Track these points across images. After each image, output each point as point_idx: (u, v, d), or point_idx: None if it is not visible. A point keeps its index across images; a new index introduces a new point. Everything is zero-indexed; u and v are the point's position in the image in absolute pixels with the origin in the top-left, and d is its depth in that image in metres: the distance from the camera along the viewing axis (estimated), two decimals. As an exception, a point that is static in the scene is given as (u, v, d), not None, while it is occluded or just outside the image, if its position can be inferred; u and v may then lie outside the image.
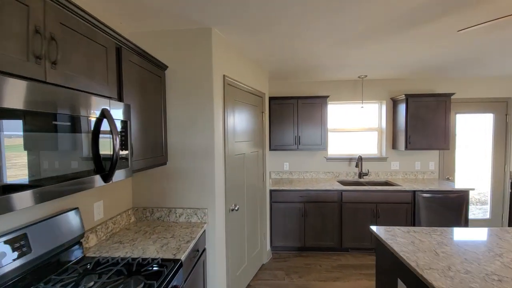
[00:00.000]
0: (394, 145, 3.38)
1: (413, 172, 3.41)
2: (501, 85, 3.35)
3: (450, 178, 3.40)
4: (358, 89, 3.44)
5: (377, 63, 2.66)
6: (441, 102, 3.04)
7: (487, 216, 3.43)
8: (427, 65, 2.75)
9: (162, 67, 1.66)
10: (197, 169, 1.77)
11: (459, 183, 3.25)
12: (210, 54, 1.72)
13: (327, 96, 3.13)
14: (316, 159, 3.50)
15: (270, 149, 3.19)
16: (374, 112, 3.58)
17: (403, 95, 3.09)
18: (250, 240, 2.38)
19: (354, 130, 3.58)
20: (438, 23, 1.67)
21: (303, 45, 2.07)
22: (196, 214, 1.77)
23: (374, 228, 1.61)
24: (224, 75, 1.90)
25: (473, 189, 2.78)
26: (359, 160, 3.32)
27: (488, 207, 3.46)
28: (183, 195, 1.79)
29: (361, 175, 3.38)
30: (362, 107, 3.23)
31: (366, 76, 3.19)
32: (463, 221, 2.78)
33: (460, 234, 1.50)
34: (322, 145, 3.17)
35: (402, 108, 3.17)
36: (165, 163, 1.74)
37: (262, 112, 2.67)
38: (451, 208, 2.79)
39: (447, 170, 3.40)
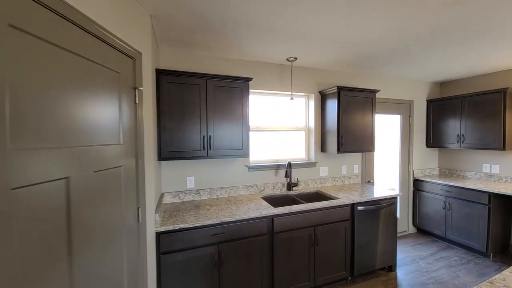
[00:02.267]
0: (323, 148, 2.85)
1: (340, 177, 3.01)
2: (407, 87, 3.48)
3: (370, 181, 3.23)
4: (286, 76, 2.69)
5: (309, 38, 1.93)
6: (368, 99, 2.72)
7: (398, 215, 3.51)
8: (356, 52, 2.29)
9: None
10: None
11: (378, 186, 3.09)
12: None
13: (250, 79, 2.18)
14: (234, 169, 2.48)
15: (161, 158, 1.90)
16: (301, 108, 2.97)
17: (335, 88, 2.57)
18: None
19: (282, 129, 2.82)
20: None
21: None
22: None
23: None
24: None
25: (400, 194, 2.56)
26: (289, 167, 2.57)
27: (397, 206, 3.54)
28: None
29: (290, 186, 2.65)
30: (292, 98, 2.50)
31: (296, 59, 2.47)
32: (393, 229, 2.50)
33: None
34: (243, 149, 2.18)
35: (333, 103, 2.66)
36: None
37: (135, 89, 1.36)
38: (385, 217, 2.45)
39: (367, 172, 3.21)
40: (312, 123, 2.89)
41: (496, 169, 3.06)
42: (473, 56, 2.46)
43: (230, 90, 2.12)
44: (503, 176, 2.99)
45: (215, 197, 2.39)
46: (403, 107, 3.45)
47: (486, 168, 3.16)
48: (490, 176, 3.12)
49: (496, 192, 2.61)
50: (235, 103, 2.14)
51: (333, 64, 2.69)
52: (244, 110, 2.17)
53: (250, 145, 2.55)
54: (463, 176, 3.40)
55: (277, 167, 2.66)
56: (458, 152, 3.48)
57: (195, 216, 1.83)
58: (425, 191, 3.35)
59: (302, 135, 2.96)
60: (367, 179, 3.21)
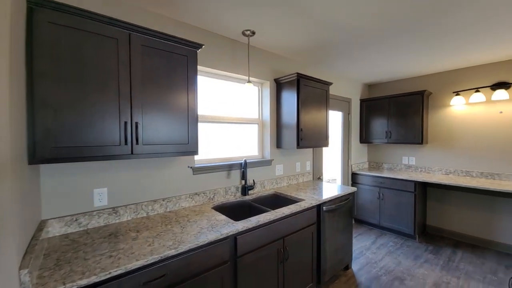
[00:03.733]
0: (278, 143, 2.52)
1: (295, 175, 2.76)
2: (346, 86, 3.63)
3: (320, 177, 3.16)
4: (240, 56, 2.19)
5: (275, 3, 1.54)
6: (323, 92, 2.58)
7: (341, 209, 3.61)
8: (320, 38, 2.08)
9: None
10: None
11: (328, 183, 3.04)
12: None
13: (200, 45, 1.56)
14: (172, 172, 1.79)
15: (36, 158, 1.04)
16: (254, 97, 2.54)
17: (295, 75, 2.27)
18: None
19: (235, 120, 2.30)
20: None
21: None
22: None
23: None
24: None
25: (355, 190, 2.52)
26: (244, 167, 2.08)
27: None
28: None
29: (245, 190, 2.17)
30: (249, 82, 2.02)
31: (254, 34, 2.02)
32: (350, 226, 2.43)
33: None
34: (189, 144, 1.54)
35: (290, 93, 2.36)
36: None
37: None
38: (344, 214, 2.33)
39: (317, 169, 3.12)
40: (266, 115, 2.51)
41: (413, 161, 3.57)
42: (396, 62, 2.73)
43: (171, 57, 1.45)
44: (418, 166, 3.50)
45: (145, 215, 1.63)
46: (344, 105, 3.58)
47: (405, 160, 3.65)
48: (408, 167, 3.61)
49: (419, 180, 2.97)
50: (177, 77, 1.47)
51: (291, 49, 2.39)
52: (190, 88, 1.53)
53: (199, 140, 1.91)
54: (387, 168, 3.84)
55: (230, 167, 2.13)
56: (384, 147, 3.91)
57: (110, 257, 1.07)
58: (362, 184, 3.58)
59: (255, 128, 2.53)
60: (317, 176, 3.11)
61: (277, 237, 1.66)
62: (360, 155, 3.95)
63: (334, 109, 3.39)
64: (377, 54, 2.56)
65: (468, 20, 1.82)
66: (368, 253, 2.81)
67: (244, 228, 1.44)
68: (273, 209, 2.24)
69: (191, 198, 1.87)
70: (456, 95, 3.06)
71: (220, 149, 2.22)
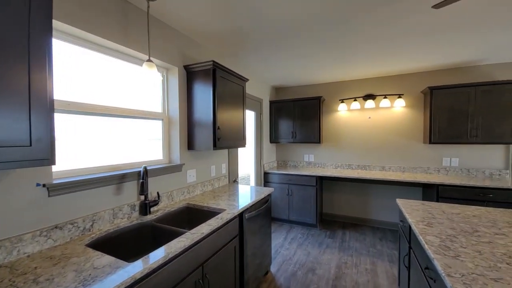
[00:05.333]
0: (191, 144, 2.10)
1: (209, 180, 2.41)
2: (258, 87, 3.63)
3: (236, 180, 2.96)
4: (137, 23, 1.60)
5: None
6: (240, 88, 2.38)
7: (255, 210, 3.56)
8: (231, 26, 1.87)
9: None
10: None
11: (244, 185, 2.90)
12: None
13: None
14: (5, 196, 1.02)
15: None
16: (158, 86, 1.99)
17: (210, 63, 1.93)
18: None
19: (129, 113, 1.67)
20: None
21: None
22: None
23: None
24: None
25: (272, 190, 2.47)
26: (144, 176, 1.53)
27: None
28: None
29: (146, 207, 1.61)
30: (149, 60, 1.49)
31: (156, -2, 1.52)
32: (269, 229, 2.35)
33: None
34: (34, 147, 0.88)
35: (205, 85, 2.00)
36: None
37: None
38: (264, 218, 2.22)
39: (233, 171, 2.91)
40: (175, 110, 2.02)
41: (312, 158, 4.05)
42: (300, 70, 3.00)
43: (-21, -20, 0.75)
44: (316, 162, 4.01)
45: None
46: (256, 105, 3.57)
47: (306, 158, 4.09)
48: (309, 163, 4.07)
49: (320, 175, 3.37)
50: (8, 35, 0.79)
51: (204, 34, 2.03)
52: (37, 56, 0.88)
53: (62, 139, 1.18)
54: (292, 165, 4.19)
55: (121, 178, 1.51)
56: (290, 146, 4.24)
57: None
58: (273, 182, 3.70)
59: (159, 126, 1.99)
60: (233, 179, 2.90)
61: (194, 266, 1.27)
62: (271, 155, 4.10)
63: (248, 108, 3.30)
64: (285, 61, 2.67)
65: (346, 44, 2.23)
66: (282, 250, 2.87)
67: (144, 273, 0.96)
68: (189, 229, 1.81)
69: (46, 236, 1.14)
70: (342, 102, 3.70)
71: (106, 154, 1.54)
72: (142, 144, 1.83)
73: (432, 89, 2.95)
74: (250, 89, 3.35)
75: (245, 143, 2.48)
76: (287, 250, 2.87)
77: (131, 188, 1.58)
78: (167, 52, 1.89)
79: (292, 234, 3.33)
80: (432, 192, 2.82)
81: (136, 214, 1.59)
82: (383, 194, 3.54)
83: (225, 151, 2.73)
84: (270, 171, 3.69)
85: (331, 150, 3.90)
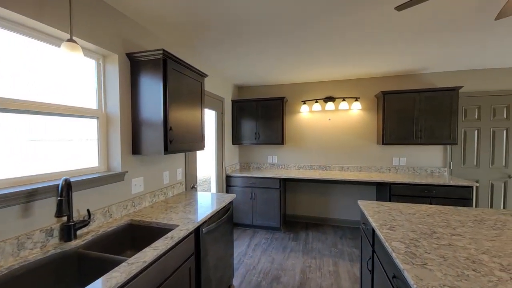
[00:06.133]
0: (136, 148, 1.76)
1: (162, 189, 2.09)
2: (219, 85, 3.38)
3: (195, 186, 2.67)
4: (48, -7, 1.23)
5: None
6: (197, 84, 2.12)
7: (217, 217, 3.30)
8: (188, 13, 1.63)
9: None
10: None
11: (204, 192, 2.64)
12: None
13: None
14: None
15: None
16: (90, 77, 1.61)
17: (160, 52, 1.64)
18: None
19: (48, 109, 1.27)
20: None
21: None
22: None
23: None
24: None
25: (234, 196, 2.27)
26: (65, 191, 1.17)
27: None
28: None
29: (70, 231, 1.25)
30: (71, 39, 1.14)
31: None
32: (231, 239, 2.15)
33: None
34: None
35: (154, 78, 1.69)
36: None
37: None
38: (225, 229, 2.00)
39: (191, 177, 2.62)
40: (114, 106, 1.66)
41: (275, 160, 3.98)
42: (263, 69, 2.90)
43: None
44: (280, 164, 3.95)
45: None
46: (217, 103, 3.33)
47: (269, 159, 4.01)
48: (272, 165, 3.99)
49: (283, 177, 3.30)
50: None
51: (154, 18, 1.72)
52: None
53: None
54: (255, 167, 4.06)
55: (30, 195, 1.13)
56: (253, 148, 4.10)
57: None
58: (236, 186, 3.51)
59: (93, 125, 1.61)
60: (191, 185, 2.61)
61: (133, 306, 0.99)
62: (233, 157, 3.89)
63: (208, 107, 3.03)
64: (247, 57, 2.50)
65: (308, 48, 2.22)
66: (246, 258, 2.70)
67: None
68: (132, 252, 1.49)
69: None
70: (304, 103, 3.71)
71: (14, 162, 1.14)
72: (70, 149, 1.44)
73: (384, 94, 3.14)
74: (211, 87, 3.09)
75: (203, 146, 2.23)
76: (250, 258, 2.70)
77: (46, 208, 1.20)
78: (103, 34, 1.53)
79: (256, 239, 3.19)
80: (385, 190, 2.99)
81: (54, 241, 1.22)
82: (342, 193, 3.66)
83: (181, 155, 2.43)
84: (232, 174, 3.49)
85: (294, 151, 3.88)
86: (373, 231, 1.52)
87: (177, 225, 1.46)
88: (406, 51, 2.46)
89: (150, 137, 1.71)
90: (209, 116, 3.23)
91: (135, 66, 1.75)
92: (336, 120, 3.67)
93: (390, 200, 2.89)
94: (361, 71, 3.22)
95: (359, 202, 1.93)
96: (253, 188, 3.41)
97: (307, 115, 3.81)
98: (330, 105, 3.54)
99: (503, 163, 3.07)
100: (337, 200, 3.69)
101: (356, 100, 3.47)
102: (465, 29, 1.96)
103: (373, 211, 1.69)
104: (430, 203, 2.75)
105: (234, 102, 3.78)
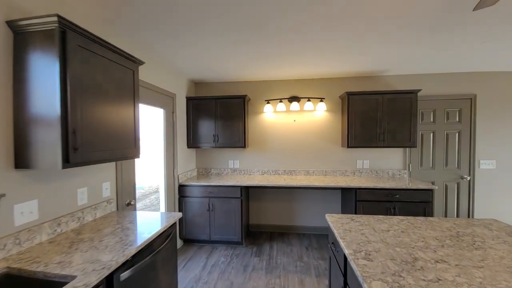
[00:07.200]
0: (21, 159, 1.20)
1: (74, 213, 1.53)
2: (170, 78, 2.87)
3: (132, 202, 2.13)
4: None
5: None
6: (128, 72, 1.62)
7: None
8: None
9: None
10: None
11: (144, 210, 2.13)
12: None
13: None
14: None
15: None
16: None
17: (54, 18, 1.12)
18: None
19: None
20: None
21: None
22: None
23: None
24: None
25: (180, 215, 1.81)
26: None
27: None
28: None
29: None
30: None
31: None
32: (174, 265, 1.69)
33: None
34: None
35: (46, 55, 1.16)
36: None
37: None
38: (165, 256, 1.54)
39: (125, 191, 2.07)
40: (-22, 96, 1.09)
41: (237, 164, 3.60)
42: (220, 62, 2.51)
43: None
44: (242, 169, 3.58)
45: None
46: (166, 100, 2.81)
47: (231, 164, 3.61)
48: (234, 170, 3.60)
49: (245, 184, 2.94)
50: None
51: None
52: None
53: None
54: (215, 173, 3.63)
55: None
56: (212, 151, 3.65)
57: None
58: (190, 196, 3.03)
59: None
60: (126, 201, 2.07)
61: None
62: (189, 162, 3.40)
63: (151, 103, 2.50)
64: (200, 44, 2.07)
65: (275, 45, 1.81)
66: (199, 285, 2.26)
67: None
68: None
69: None
70: (267, 103, 3.41)
71: None
72: None
73: (349, 94, 3.01)
74: (158, 80, 2.57)
75: (138, 153, 1.73)
76: (205, 285, 2.27)
77: None
78: None
79: (213, 258, 2.76)
80: (351, 194, 2.85)
81: None
82: (308, 199, 3.46)
83: (110, 164, 1.88)
84: (186, 183, 3.00)
85: (257, 155, 3.56)
86: (345, 258, 1.25)
87: (74, 276, 0.97)
88: (363, 50, 2.33)
89: (42, 143, 1.17)
90: (155, 115, 2.70)
91: (20, 39, 1.19)
92: (301, 121, 3.45)
93: (355, 205, 2.74)
94: (325, 71, 3.05)
95: (327, 217, 1.66)
96: (211, 198, 2.98)
97: (271, 116, 3.52)
98: (295, 105, 3.31)
99: (456, 165, 3.20)
100: (302, 206, 3.47)
101: (321, 101, 3.29)
102: (418, 29, 1.85)
103: (343, 230, 1.43)
104: (394, 208, 2.68)
105: (189, 100, 3.29)
